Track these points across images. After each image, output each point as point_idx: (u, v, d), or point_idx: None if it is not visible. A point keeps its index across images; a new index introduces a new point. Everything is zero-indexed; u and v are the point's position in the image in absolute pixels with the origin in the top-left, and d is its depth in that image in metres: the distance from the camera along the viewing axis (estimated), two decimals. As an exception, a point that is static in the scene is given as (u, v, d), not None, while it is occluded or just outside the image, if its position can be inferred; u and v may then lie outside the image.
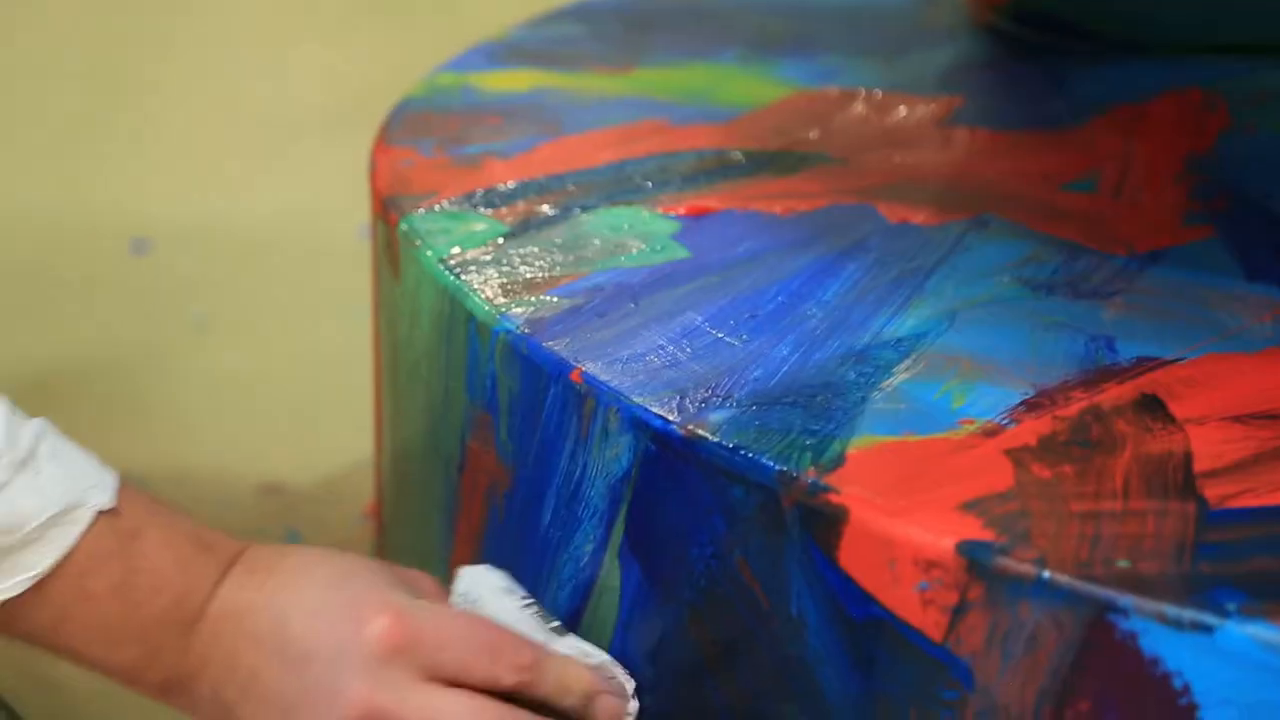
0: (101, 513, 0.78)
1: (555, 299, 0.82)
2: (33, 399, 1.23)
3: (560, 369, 0.77)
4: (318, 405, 1.25)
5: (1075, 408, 0.74)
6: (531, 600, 0.80)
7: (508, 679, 0.77)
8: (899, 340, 0.79)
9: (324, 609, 0.78)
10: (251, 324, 1.36)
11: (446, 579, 0.88)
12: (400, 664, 0.76)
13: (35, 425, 0.79)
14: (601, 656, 0.78)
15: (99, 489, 0.79)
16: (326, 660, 0.77)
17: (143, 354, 1.21)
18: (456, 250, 0.86)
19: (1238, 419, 0.73)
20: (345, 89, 1.77)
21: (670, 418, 0.73)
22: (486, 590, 0.81)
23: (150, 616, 0.79)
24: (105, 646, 0.79)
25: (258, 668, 0.78)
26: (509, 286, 0.83)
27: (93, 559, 0.78)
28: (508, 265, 0.85)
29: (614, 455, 0.75)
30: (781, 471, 0.69)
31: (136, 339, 1.31)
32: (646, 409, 0.74)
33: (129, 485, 0.80)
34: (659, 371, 0.76)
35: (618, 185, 0.93)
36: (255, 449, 1.20)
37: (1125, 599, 0.63)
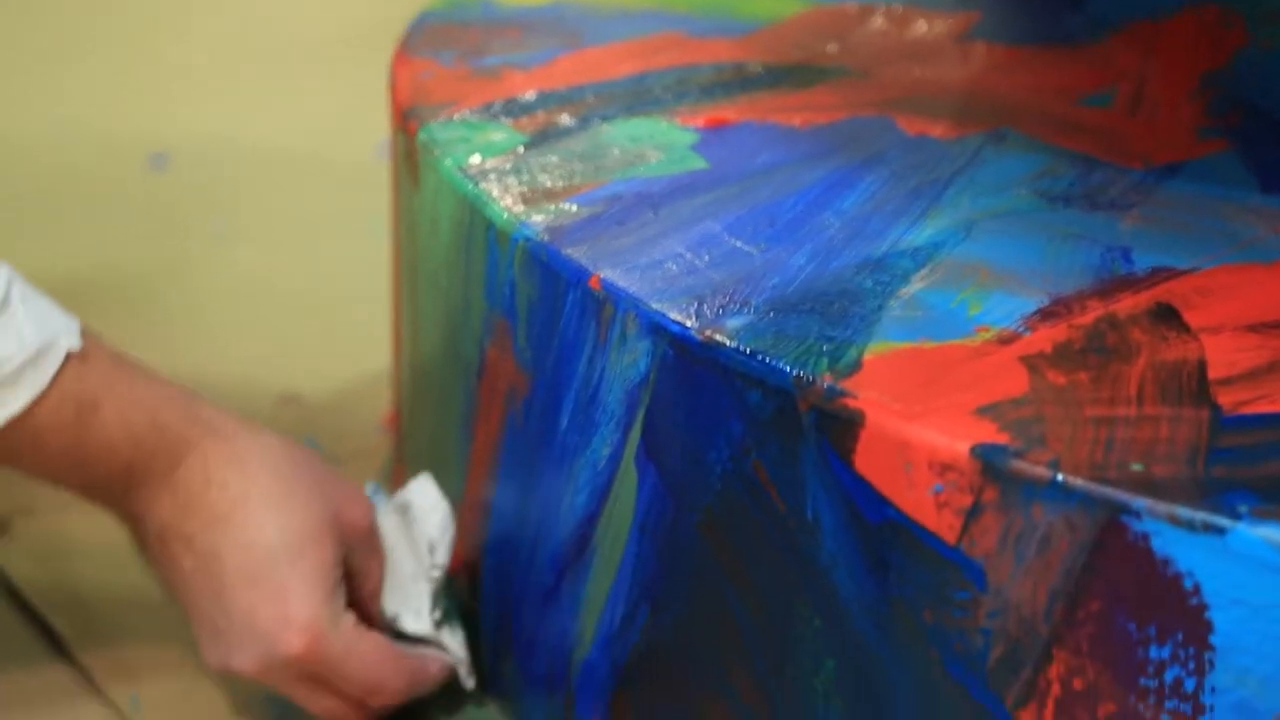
0: (70, 356, 0.81)
1: (574, 207, 0.82)
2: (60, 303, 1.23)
3: (579, 275, 0.77)
4: (335, 317, 1.26)
5: (1091, 316, 0.74)
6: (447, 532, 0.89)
7: (376, 706, 0.88)
8: (916, 250, 0.79)
9: (252, 587, 0.83)
10: (270, 237, 1.36)
11: (463, 487, 0.89)
12: (298, 672, 0.85)
13: (4, 270, 0.80)
14: (458, 635, 0.90)
15: (67, 334, 0.81)
16: (243, 627, 0.84)
17: (162, 266, 1.22)
18: (476, 159, 0.86)
19: (1252, 328, 0.73)
20: (366, 6, 1.77)
21: (688, 323, 0.74)
22: (417, 508, 0.89)
23: (98, 476, 0.84)
24: (54, 482, 0.84)
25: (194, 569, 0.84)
26: (528, 195, 0.83)
27: (50, 424, 0.80)
28: (527, 174, 0.85)
29: (631, 361, 0.76)
30: (798, 376, 0.70)
31: (156, 252, 1.32)
32: (664, 315, 0.74)
33: (91, 335, 0.83)
34: (677, 278, 0.77)
35: (637, 97, 0.93)
36: (274, 360, 1.20)
37: (1138, 501, 0.63)
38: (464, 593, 0.92)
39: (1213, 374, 0.70)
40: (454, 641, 0.90)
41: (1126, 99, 0.95)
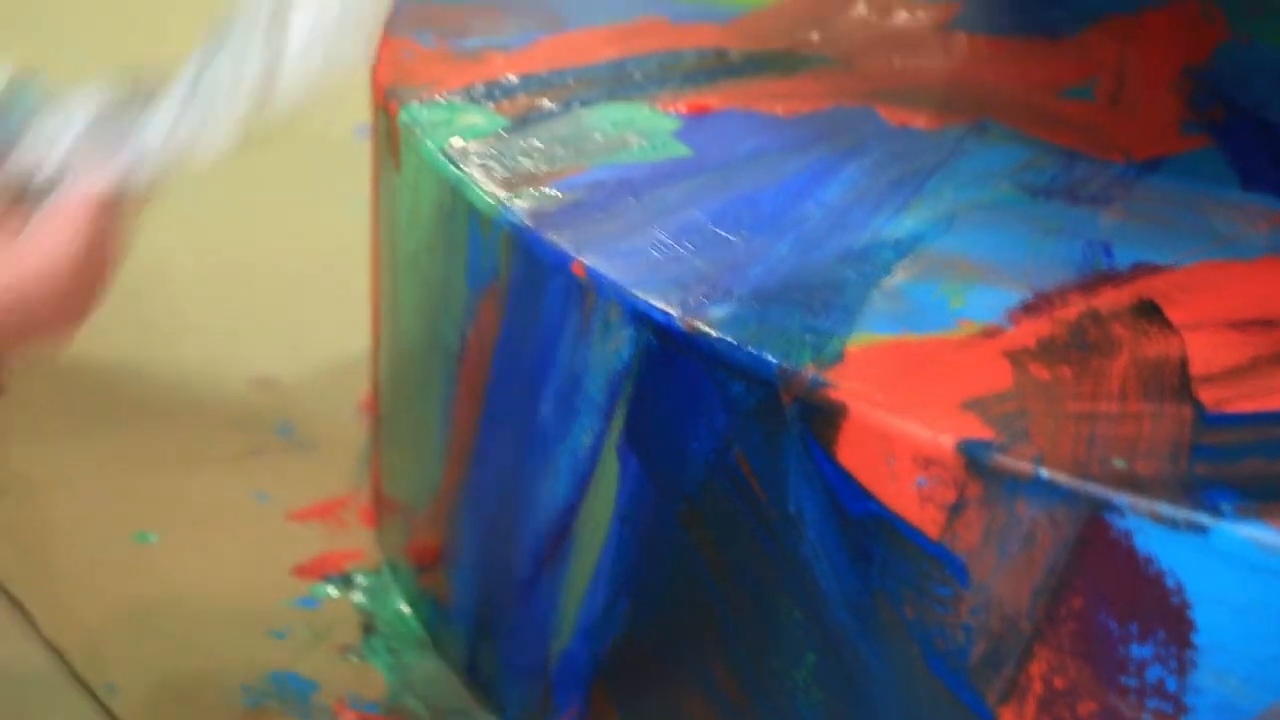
0: None
1: (557, 193, 0.82)
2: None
3: (562, 261, 0.77)
4: (312, 300, 1.25)
5: (1073, 311, 0.74)
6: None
7: None
8: (898, 241, 0.79)
9: None
10: (246, 217, 1.36)
11: (440, 472, 0.89)
12: None
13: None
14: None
15: None
16: None
17: (135, 246, 1.21)
18: (458, 141, 0.86)
19: (1233, 325, 0.73)
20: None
21: (672, 312, 0.73)
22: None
23: None
24: None
25: None
26: (510, 179, 0.83)
27: None
28: (509, 158, 0.85)
29: (614, 348, 0.75)
30: (782, 367, 0.70)
31: (130, 232, 1.31)
32: (648, 302, 0.74)
33: None
34: (661, 266, 0.77)
35: (618, 82, 0.93)
36: (249, 342, 1.19)
37: (1121, 498, 0.63)
38: (441, 580, 0.92)
39: (1194, 370, 0.70)
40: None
41: (1107, 91, 0.95)
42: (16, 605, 0.96)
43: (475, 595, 0.88)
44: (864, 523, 0.69)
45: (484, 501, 0.85)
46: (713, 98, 0.91)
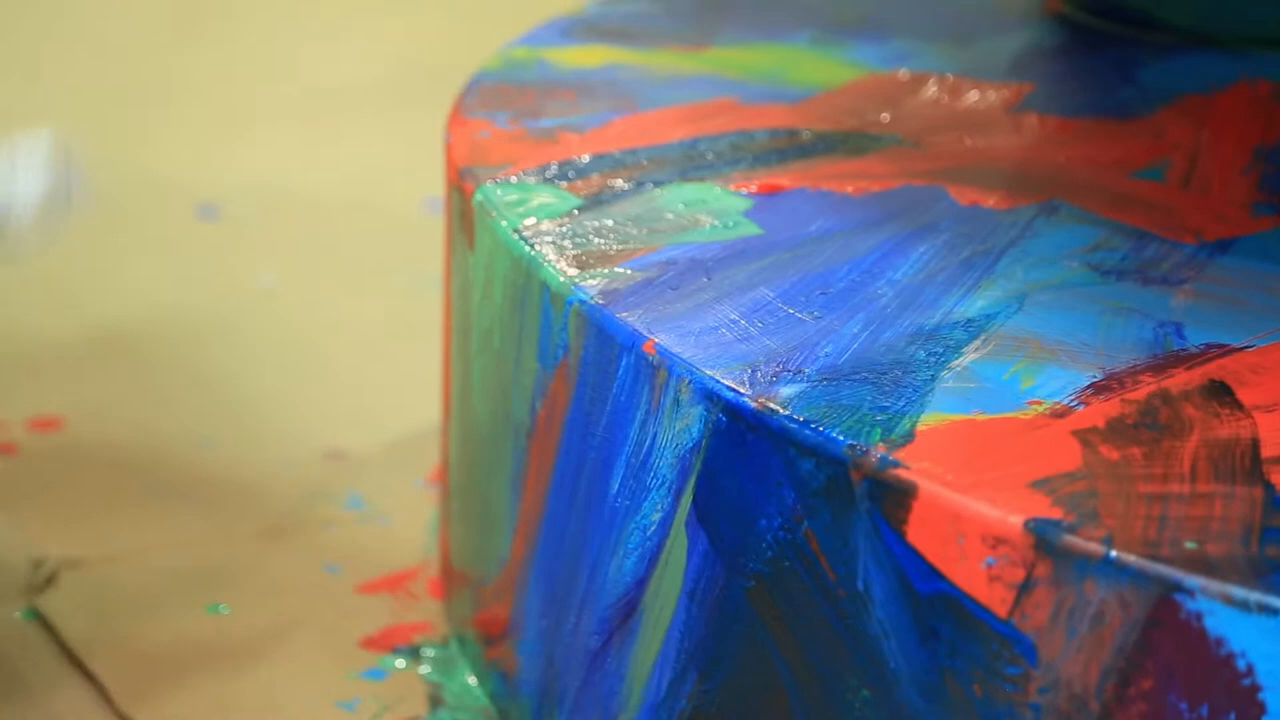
0: None
1: (628, 271, 0.83)
2: (103, 361, 1.24)
3: (634, 340, 0.78)
4: (382, 373, 1.26)
5: (1143, 392, 0.74)
6: None
7: None
8: (969, 321, 0.79)
9: None
10: (318, 289, 1.37)
11: (510, 546, 0.89)
12: None
13: None
14: None
15: None
16: None
17: (210, 318, 1.23)
18: (531, 221, 0.87)
19: (1305, 407, 0.73)
20: (414, 62, 1.78)
21: (742, 390, 0.74)
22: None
23: None
24: None
25: None
26: (582, 258, 0.84)
27: None
28: (581, 237, 0.86)
29: (684, 426, 0.76)
30: (851, 446, 0.70)
31: (203, 303, 1.32)
32: (718, 381, 0.74)
33: None
34: (731, 345, 0.77)
35: (690, 161, 0.93)
36: (320, 414, 1.21)
37: (1192, 579, 0.63)
38: (508, 654, 0.92)
39: (1266, 452, 0.70)
40: None
41: (1179, 173, 0.96)
42: (92, 679, 0.96)
43: (542, 669, 0.88)
44: (933, 601, 0.69)
45: (552, 575, 0.86)
46: (784, 177, 0.92)
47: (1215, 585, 0.63)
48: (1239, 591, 0.63)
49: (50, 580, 1.03)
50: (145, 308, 1.33)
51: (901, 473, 0.69)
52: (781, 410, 0.72)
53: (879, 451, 0.70)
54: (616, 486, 0.80)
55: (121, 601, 1.02)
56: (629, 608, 0.80)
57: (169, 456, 1.16)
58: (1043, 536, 0.66)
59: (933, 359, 0.76)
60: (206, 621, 1.00)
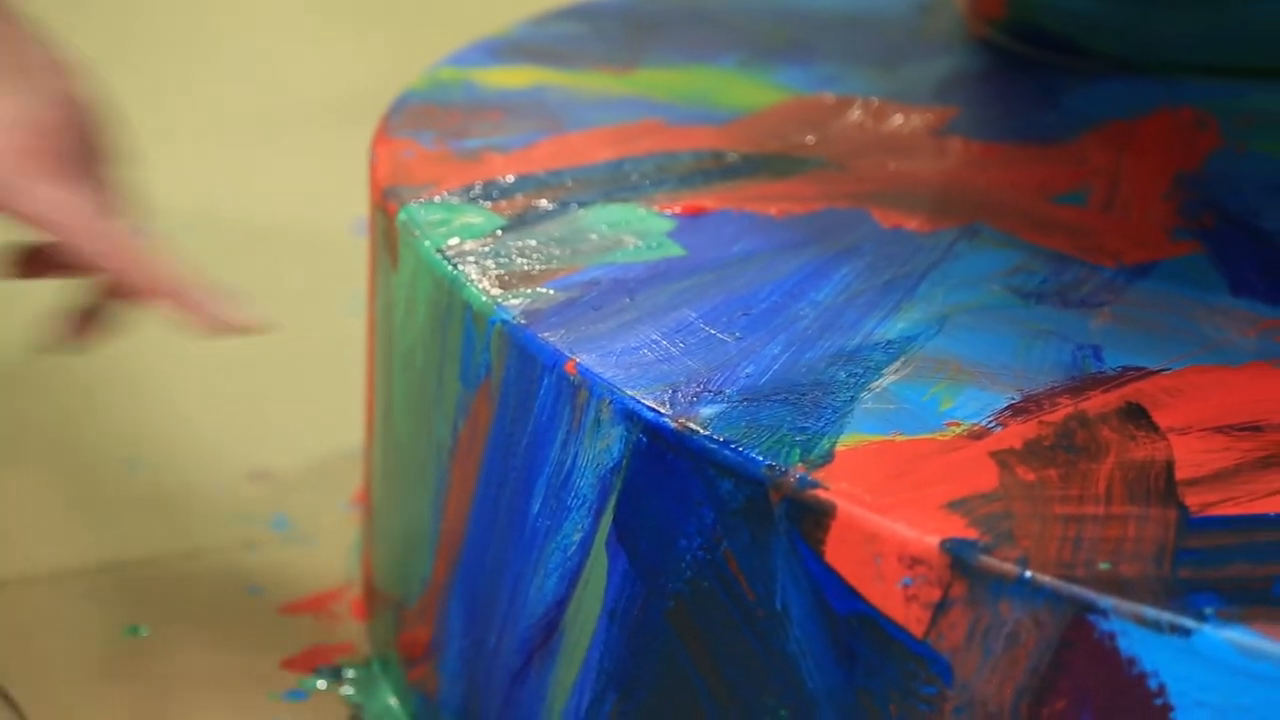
0: None
1: (551, 292, 0.83)
2: (26, 378, 1.23)
3: (555, 360, 0.78)
4: (307, 394, 1.26)
5: (1061, 414, 0.75)
6: None
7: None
8: (889, 342, 0.80)
9: None
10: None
11: (431, 567, 0.89)
12: None
13: None
14: None
15: None
16: None
17: (136, 338, 1.22)
18: (455, 241, 0.87)
19: (1220, 429, 0.74)
20: (342, 84, 1.77)
21: (662, 410, 0.74)
22: None
23: None
24: None
25: None
26: (505, 278, 0.84)
27: None
28: (505, 257, 0.86)
29: (605, 446, 0.76)
30: (770, 466, 0.71)
31: (129, 323, 1.31)
32: (639, 401, 0.75)
33: None
34: (652, 365, 0.77)
35: (615, 183, 0.94)
36: (244, 435, 1.20)
37: (1105, 600, 0.64)
38: (429, 674, 0.92)
39: (1180, 474, 0.71)
40: None
41: (1100, 197, 0.96)
42: (9, 700, 0.96)
43: (463, 689, 0.88)
44: (850, 621, 0.69)
45: (474, 596, 0.85)
46: (708, 199, 0.92)
47: (1128, 606, 0.63)
48: (1151, 612, 0.63)
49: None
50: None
51: (820, 493, 0.69)
52: (701, 430, 0.73)
53: (798, 472, 0.70)
54: (538, 506, 0.80)
55: (39, 623, 1.01)
56: (550, 628, 0.80)
57: (92, 476, 1.15)
58: (959, 556, 0.66)
59: (853, 380, 0.77)
60: (126, 643, 1.00)
